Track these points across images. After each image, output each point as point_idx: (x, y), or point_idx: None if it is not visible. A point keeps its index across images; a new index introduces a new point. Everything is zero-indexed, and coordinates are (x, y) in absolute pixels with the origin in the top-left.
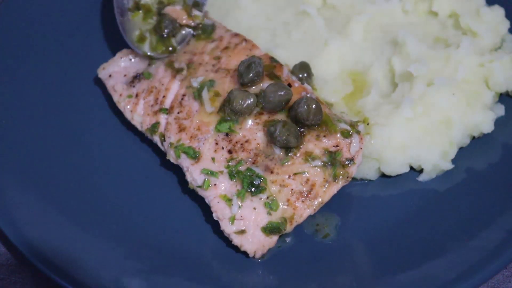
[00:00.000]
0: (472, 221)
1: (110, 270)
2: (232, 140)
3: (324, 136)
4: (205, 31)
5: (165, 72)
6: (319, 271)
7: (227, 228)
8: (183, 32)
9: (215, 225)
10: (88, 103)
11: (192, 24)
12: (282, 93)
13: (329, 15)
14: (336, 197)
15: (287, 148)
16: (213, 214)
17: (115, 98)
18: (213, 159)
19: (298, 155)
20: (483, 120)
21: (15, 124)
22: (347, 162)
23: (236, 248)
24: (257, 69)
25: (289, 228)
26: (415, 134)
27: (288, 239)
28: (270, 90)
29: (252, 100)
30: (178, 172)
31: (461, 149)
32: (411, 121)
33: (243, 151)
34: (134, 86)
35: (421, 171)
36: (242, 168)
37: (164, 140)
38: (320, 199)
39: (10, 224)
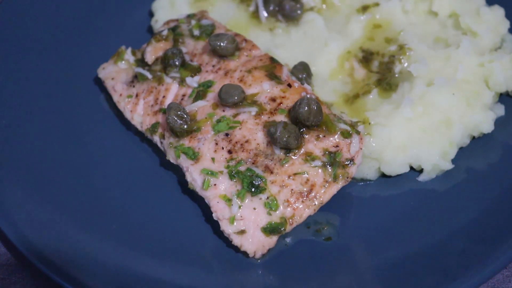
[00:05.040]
0: (472, 221)
1: (110, 270)
2: (232, 140)
3: (324, 136)
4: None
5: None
6: (319, 271)
7: (227, 228)
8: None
9: (215, 225)
10: (88, 103)
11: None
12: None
13: (329, 15)
14: (336, 197)
15: (287, 149)
16: (213, 214)
17: (115, 98)
18: (213, 159)
19: (298, 155)
20: (483, 120)
21: (15, 124)
22: (347, 163)
23: (236, 248)
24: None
25: (289, 228)
26: (415, 134)
27: (288, 239)
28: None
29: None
30: (178, 172)
31: (461, 149)
32: (411, 121)
33: (243, 151)
34: (134, 86)
35: (421, 171)
36: (242, 168)
37: (164, 140)
38: (320, 199)
39: (10, 224)
